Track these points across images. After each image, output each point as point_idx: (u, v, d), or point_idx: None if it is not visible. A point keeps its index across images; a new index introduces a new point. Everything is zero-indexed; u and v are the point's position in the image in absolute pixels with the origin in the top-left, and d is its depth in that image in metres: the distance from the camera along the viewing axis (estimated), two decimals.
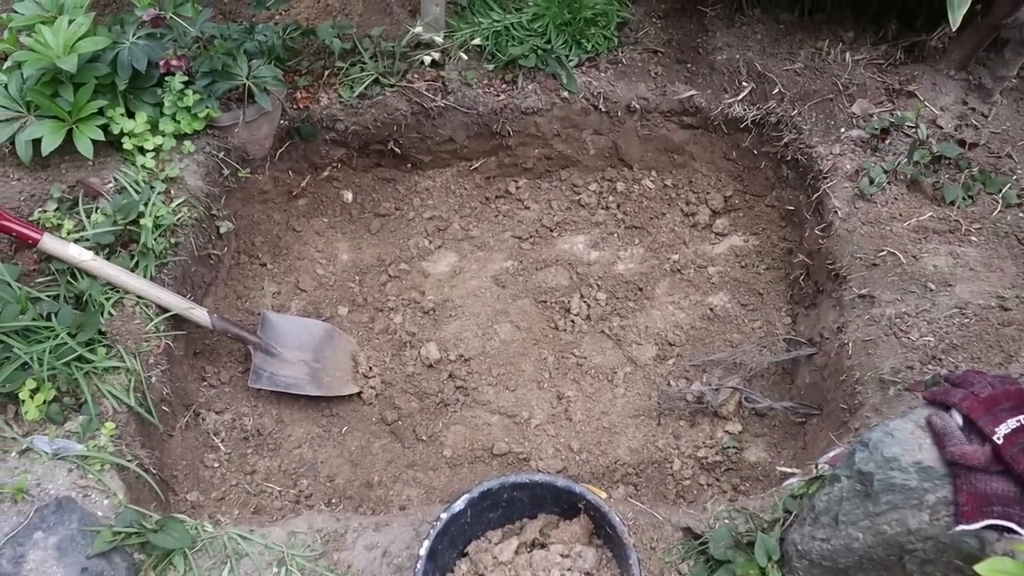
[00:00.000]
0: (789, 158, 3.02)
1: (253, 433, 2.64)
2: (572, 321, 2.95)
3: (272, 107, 2.83)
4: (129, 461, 2.23)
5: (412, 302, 2.98)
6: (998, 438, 1.69)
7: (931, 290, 2.48)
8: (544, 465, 2.60)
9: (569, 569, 1.81)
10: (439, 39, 3.00)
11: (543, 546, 1.87)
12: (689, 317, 2.97)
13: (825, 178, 2.85)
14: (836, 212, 2.75)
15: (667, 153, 3.25)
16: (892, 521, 1.78)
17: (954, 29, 2.54)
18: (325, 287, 3.01)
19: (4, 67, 2.73)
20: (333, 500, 2.55)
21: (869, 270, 2.59)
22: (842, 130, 2.91)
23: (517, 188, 3.26)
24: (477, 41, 3.03)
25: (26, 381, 2.23)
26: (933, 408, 1.82)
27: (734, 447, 2.64)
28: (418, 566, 1.77)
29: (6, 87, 2.67)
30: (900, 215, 2.69)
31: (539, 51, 3.05)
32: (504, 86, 3.08)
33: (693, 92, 3.11)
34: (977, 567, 1.54)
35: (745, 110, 3.06)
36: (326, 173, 3.16)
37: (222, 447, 2.59)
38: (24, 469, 2.15)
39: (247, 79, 2.73)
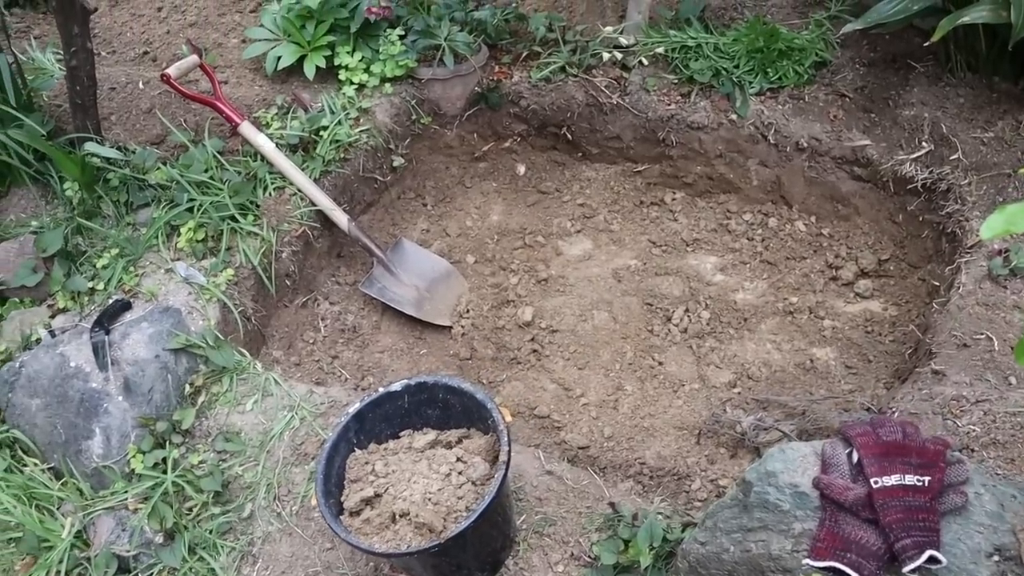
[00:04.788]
0: (949, 231, 2.80)
1: (351, 329, 3.07)
2: (668, 329, 3.00)
3: (463, 71, 3.26)
4: (235, 305, 2.78)
5: (532, 270, 3.22)
6: (876, 483, 1.57)
7: (1010, 384, 2.22)
8: (571, 437, 2.72)
9: (460, 472, 1.98)
10: (625, 41, 3.22)
11: (451, 448, 2.06)
12: (784, 360, 2.87)
13: (967, 253, 2.62)
14: (960, 288, 2.53)
15: (832, 201, 3.15)
16: (759, 540, 1.72)
17: None
18: (466, 237, 3.37)
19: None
20: None
21: (958, 350, 2.36)
22: None
23: (673, 200, 3.36)
24: (660, 50, 3.20)
25: (188, 221, 2.88)
26: (841, 440, 1.71)
27: None
28: (342, 419, 2.07)
29: (274, 18, 3.39)
30: None
31: (721, 70, 3.14)
32: (679, 98, 3.21)
33: (867, 142, 2.99)
34: None
35: (916, 171, 2.89)
36: (507, 144, 3.52)
37: (323, 330, 3.05)
38: (161, 281, 2.78)
39: (444, 41, 3.18)
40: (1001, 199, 2.68)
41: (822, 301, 2.99)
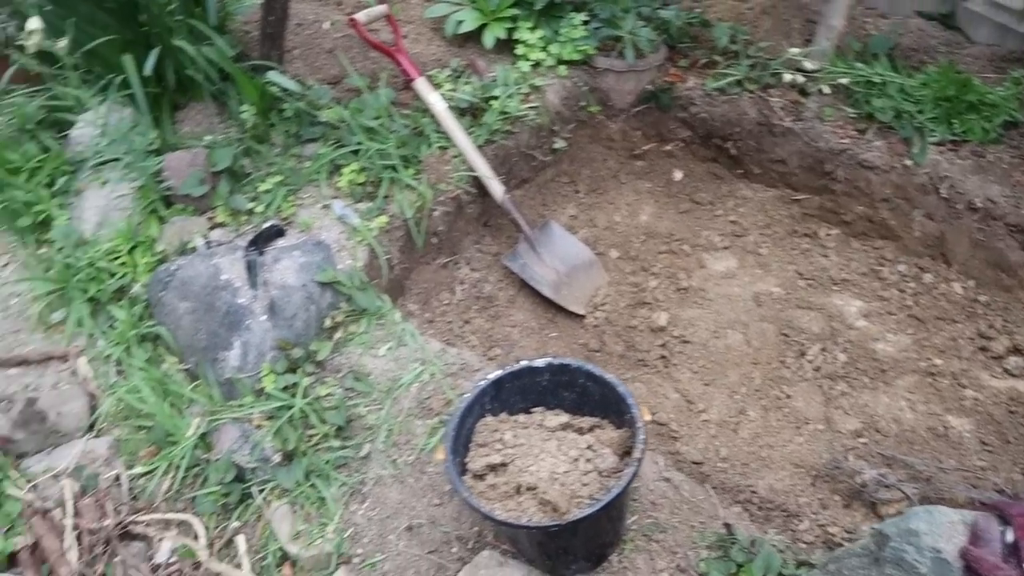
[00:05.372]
0: None
1: (486, 298, 3.10)
2: (801, 364, 2.93)
3: (639, 67, 3.26)
4: (383, 251, 2.84)
5: (673, 276, 3.19)
6: None
7: None
8: (686, 450, 2.69)
9: (588, 459, 1.97)
10: (810, 65, 3.15)
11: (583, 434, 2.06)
12: (916, 421, 2.77)
13: None
14: None
15: (996, 269, 3.02)
16: None
17: None
18: (613, 231, 3.36)
19: None
20: None
21: None
22: None
23: (827, 235, 3.28)
24: (844, 81, 3.12)
25: (352, 162, 2.95)
26: (996, 515, 1.64)
27: None
28: (481, 383, 2.09)
29: None
30: None
31: (903, 112, 3.05)
32: (854, 133, 3.12)
33: None
34: None
35: None
36: (668, 147, 3.50)
37: (459, 293, 3.10)
38: (317, 216, 2.86)
39: (627, 33, 3.17)
40: None
41: (967, 370, 2.88)
